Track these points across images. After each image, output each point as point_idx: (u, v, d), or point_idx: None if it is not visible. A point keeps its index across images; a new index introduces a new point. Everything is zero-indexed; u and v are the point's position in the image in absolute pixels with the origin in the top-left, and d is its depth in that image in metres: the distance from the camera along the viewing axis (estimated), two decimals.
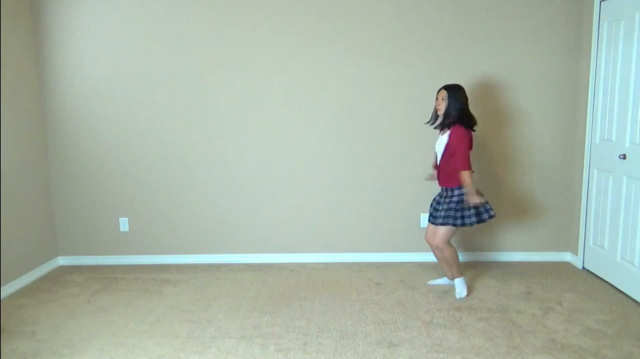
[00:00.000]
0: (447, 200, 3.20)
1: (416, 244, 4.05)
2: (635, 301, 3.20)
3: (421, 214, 4.00)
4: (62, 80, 3.91)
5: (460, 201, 3.14)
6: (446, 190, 3.24)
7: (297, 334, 2.83)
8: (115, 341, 2.79)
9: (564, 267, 3.87)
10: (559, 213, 3.97)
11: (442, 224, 3.18)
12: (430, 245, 3.34)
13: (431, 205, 3.38)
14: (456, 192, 3.16)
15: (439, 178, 3.28)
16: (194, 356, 2.61)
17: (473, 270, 3.81)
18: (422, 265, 3.95)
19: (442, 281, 3.53)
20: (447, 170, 3.17)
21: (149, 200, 4.05)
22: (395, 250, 4.07)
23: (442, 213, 3.19)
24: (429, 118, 3.37)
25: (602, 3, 3.48)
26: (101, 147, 3.99)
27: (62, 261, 4.17)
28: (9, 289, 3.52)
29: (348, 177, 3.98)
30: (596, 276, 3.64)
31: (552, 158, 3.90)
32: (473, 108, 3.85)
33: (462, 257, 4.02)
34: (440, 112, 3.18)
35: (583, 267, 3.80)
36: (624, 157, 3.28)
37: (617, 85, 3.35)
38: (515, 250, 4.03)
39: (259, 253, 4.10)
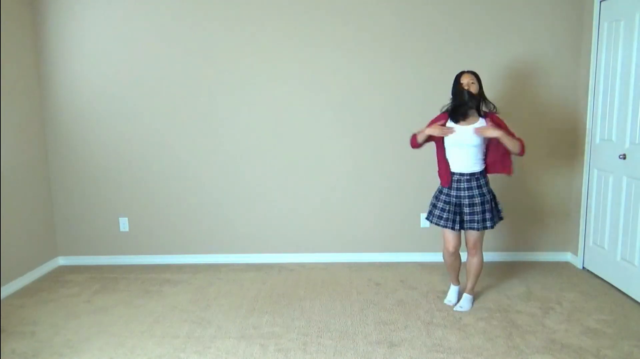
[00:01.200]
0: (482, 191, 2.96)
1: (416, 244, 4.05)
2: (635, 301, 3.19)
3: (421, 214, 4.00)
4: (62, 80, 3.91)
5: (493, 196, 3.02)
6: (477, 179, 2.97)
7: (297, 334, 2.83)
8: (115, 341, 2.79)
9: (564, 267, 3.87)
10: (559, 213, 3.97)
11: (489, 226, 2.97)
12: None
13: (454, 204, 3.00)
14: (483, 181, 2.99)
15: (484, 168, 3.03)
16: (194, 356, 2.61)
17: None
18: (422, 265, 3.95)
19: (456, 291, 3.28)
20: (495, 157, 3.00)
21: (149, 200, 4.05)
22: (395, 250, 4.07)
23: (485, 214, 2.94)
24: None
25: (602, 3, 3.48)
26: (101, 147, 3.99)
27: (62, 261, 4.16)
28: (9, 289, 3.52)
29: (348, 177, 3.98)
30: (596, 276, 3.64)
31: (552, 158, 3.90)
32: None
33: (462, 257, 4.00)
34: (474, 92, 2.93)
35: (583, 267, 3.80)
36: (624, 157, 3.28)
37: (617, 85, 3.35)
38: (515, 250, 4.03)
39: (259, 253, 4.10)
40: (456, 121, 2.96)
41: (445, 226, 3.04)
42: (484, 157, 3.02)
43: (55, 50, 3.88)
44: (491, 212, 2.99)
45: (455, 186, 3.01)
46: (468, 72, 2.98)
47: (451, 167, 3.03)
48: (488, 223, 2.97)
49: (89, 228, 4.11)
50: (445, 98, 3.83)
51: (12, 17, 3.62)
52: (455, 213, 3.00)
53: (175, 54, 3.85)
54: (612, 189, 3.44)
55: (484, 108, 2.99)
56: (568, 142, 3.88)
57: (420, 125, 3.88)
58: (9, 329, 2.96)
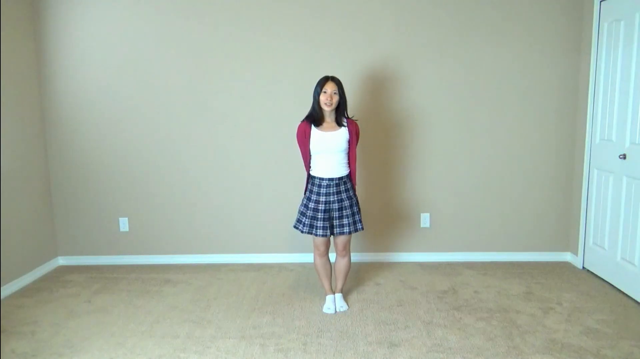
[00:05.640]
0: (350, 194, 3.03)
1: (416, 244, 4.05)
2: (635, 301, 3.20)
3: (421, 214, 4.00)
4: (62, 79, 3.91)
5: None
6: (345, 183, 3.02)
7: (297, 334, 2.83)
8: (115, 341, 2.79)
9: (564, 267, 3.87)
10: (559, 213, 3.97)
11: (360, 228, 3.06)
12: (337, 256, 3.17)
13: (323, 211, 2.97)
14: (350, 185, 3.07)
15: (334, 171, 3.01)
16: (194, 356, 2.61)
17: (473, 270, 3.81)
18: (422, 265, 3.95)
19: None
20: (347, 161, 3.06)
21: (149, 200, 4.05)
22: (394, 250, 4.07)
23: (355, 217, 3.05)
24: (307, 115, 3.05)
25: (602, 3, 3.48)
26: (101, 147, 3.99)
27: (62, 261, 4.16)
28: (9, 289, 3.52)
29: None
30: (596, 276, 3.64)
31: (552, 158, 3.90)
32: (474, 108, 3.87)
33: (462, 257, 4.03)
34: (334, 106, 2.94)
35: (583, 267, 3.80)
36: (624, 157, 3.28)
37: (617, 85, 3.35)
38: (515, 250, 4.03)
39: (259, 253, 4.10)
40: (317, 126, 2.99)
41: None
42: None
43: (55, 50, 3.88)
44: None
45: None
46: (332, 79, 2.93)
47: None
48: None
49: (89, 228, 4.11)
50: (445, 98, 3.86)
51: (12, 17, 3.61)
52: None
53: (176, 55, 3.84)
54: (612, 189, 3.44)
55: (345, 117, 3.03)
56: (568, 142, 3.88)
57: (419, 125, 3.90)
58: (9, 329, 2.96)
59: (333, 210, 2.99)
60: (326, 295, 3.20)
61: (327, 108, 2.93)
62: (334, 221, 3.00)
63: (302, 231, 3.04)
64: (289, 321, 2.99)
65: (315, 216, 2.99)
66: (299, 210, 3.10)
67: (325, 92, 2.91)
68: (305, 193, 3.09)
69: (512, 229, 4.00)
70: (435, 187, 3.97)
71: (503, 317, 3.00)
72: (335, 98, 2.91)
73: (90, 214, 4.09)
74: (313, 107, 2.99)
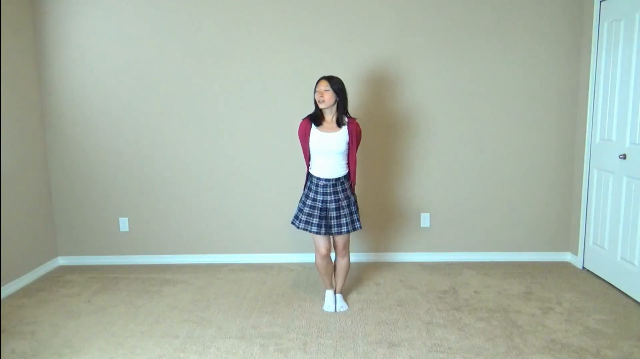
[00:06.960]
0: (347, 194, 3.03)
1: (416, 244, 4.05)
2: (635, 301, 3.20)
3: (421, 214, 4.00)
4: (62, 79, 3.91)
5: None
6: (342, 183, 3.02)
7: (297, 334, 2.83)
8: (115, 341, 2.79)
9: (564, 267, 3.87)
10: (559, 213, 3.97)
11: (359, 227, 3.05)
12: (333, 256, 3.16)
13: (319, 209, 2.98)
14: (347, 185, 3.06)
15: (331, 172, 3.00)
16: (194, 356, 2.61)
17: (473, 270, 3.81)
18: (422, 265, 3.95)
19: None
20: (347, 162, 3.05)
21: (149, 200, 4.05)
22: (394, 250, 4.07)
23: (353, 216, 3.04)
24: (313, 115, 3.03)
25: (602, 3, 3.48)
26: (101, 146, 3.99)
27: (62, 261, 4.16)
28: (9, 289, 3.52)
29: None
30: (596, 276, 3.64)
31: (552, 158, 3.90)
32: (474, 108, 3.87)
33: (462, 257, 4.03)
34: (327, 104, 2.93)
35: (583, 267, 3.80)
36: (624, 157, 3.28)
37: (617, 85, 3.35)
38: (515, 250, 4.03)
39: (259, 253, 4.10)
40: (317, 125, 2.99)
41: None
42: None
43: (55, 50, 3.88)
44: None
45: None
46: (325, 78, 2.93)
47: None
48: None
49: (89, 228, 4.11)
50: (445, 98, 3.86)
51: (12, 17, 3.61)
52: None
53: (176, 55, 3.85)
54: (612, 189, 3.44)
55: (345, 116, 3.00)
56: (568, 142, 3.89)
57: (419, 126, 3.90)
58: (9, 329, 2.96)
59: (330, 209, 2.99)
60: (326, 289, 3.21)
61: (321, 106, 2.94)
62: (332, 221, 3.00)
63: (297, 227, 3.05)
64: (289, 321, 2.99)
65: (311, 214, 3.00)
66: (298, 206, 3.12)
67: (317, 91, 2.94)
68: (304, 189, 3.10)
69: (512, 229, 4.00)
70: (435, 187, 3.97)
71: (503, 317, 3.00)
72: (327, 95, 2.90)
73: (90, 214, 4.09)
74: (314, 107, 3.02)
